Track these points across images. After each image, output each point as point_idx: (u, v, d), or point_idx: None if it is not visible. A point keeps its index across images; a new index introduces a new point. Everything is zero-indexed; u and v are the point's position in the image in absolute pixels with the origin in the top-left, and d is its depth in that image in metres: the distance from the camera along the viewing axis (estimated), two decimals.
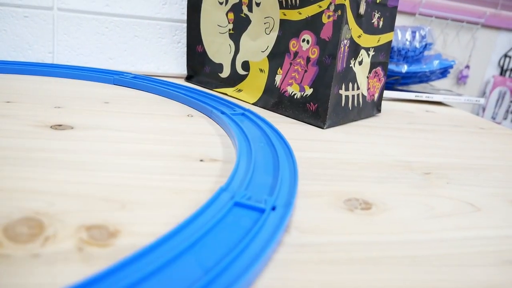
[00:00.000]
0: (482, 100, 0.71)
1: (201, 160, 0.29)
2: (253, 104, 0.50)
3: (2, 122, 0.32)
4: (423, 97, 0.67)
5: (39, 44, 0.58)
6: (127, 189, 0.23)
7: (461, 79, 1.44)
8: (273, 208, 0.21)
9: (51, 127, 0.32)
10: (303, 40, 0.44)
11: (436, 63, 0.71)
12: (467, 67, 1.45)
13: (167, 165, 0.27)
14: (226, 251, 0.17)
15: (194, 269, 0.16)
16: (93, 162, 0.26)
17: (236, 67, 0.53)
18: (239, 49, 0.52)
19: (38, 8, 0.57)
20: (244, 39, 0.51)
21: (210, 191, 0.24)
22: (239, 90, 0.52)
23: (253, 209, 0.21)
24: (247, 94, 0.51)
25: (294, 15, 0.45)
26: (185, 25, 0.62)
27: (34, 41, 0.58)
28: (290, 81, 0.46)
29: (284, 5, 0.46)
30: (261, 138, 0.34)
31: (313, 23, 0.43)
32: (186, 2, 0.58)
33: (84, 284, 0.14)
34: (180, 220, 0.19)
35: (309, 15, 0.43)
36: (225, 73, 0.54)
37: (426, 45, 0.72)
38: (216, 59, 0.55)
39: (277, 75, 0.48)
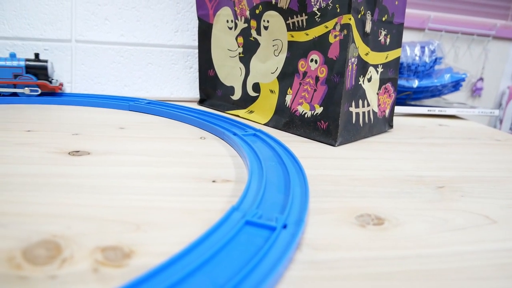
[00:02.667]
0: (496, 112, 0.70)
1: (214, 181, 0.29)
2: (265, 124, 0.50)
3: (23, 150, 0.33)
4: (436, 111, 0.66)
5: (58, 75, 0.61)
6: (142, 211, 0.23)
7: (476, 91, 1.42)
8: (284, 226, 0.21)
9: (69, 153, 0.33)
10: (311, 60, 0.45)
11: (447, 76, 0.71)
12: (481, 79, 1.43)
13: (181, 187, 0.28)
14: (237, 268, 0.17)
15: (206, 287, 0.16)
16: (109, 186, 0.27)
17: (247, 89, 0.54)
18: (249, 72, 0.53)
19: (57, 41, 0.60)
20: (254, 61, 0.53)
21: (223, 211, 0.24)
22: (251, 112, 0.53)
23: (264, 228, 0.21)
24: (258, 115, 0.52)
25: (301, 37, 0.46)
26: (196, 51, 0.65)
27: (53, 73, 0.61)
28: (300, 101, 0.47)
29: (291, 27, 0.47)
30: (273, 157, 0.34)
31: (320, 43, 0.44)
32: (197, 29, 0.60)
33: None
34: (192, 240, 0.19)
35: (316, 36, 0.44)
36: (237, 95, 0.55)
37: (436, 59, 0.72)
38: (227, 82, 0.57)
39: (287, 95, 0.48)
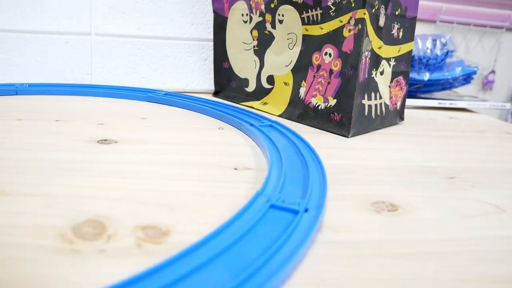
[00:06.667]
0: (508, 105, 0.70)
1: (235, 169, 0.31)
2: (279, 116, 0.52)
3: (55, 138, 0.35)
4: (447, 104, 0.67)
5: (78, 67, 0.63)
6: (173, 195, 0.25)
7: (487, 84, 1.42)
8: (306, 210, 0.23)
9: (97, 141, 0.35)
10: (326, 54, 0.47)
11: (458, 69, 0.71)
12: (493, 72, 1.42)
13: (205, 173, 0.29)
14: (265, 246, 0.19)
15: (240, 261, 0.18)
16: (140, 171, 0.29)
17: (261, 81, 0.55)
18: (263, 64, 0.55)
19: (78, 34, 0.62)
20: (268, 54, 0.54)
21: (247, 196, 0.26)
22: (265, 103, 0.55)
23: (287, 211, 0.23)
24: (272, 107, 0.53)
25: (316, 30, 0.47)
26: (211, 43, 0.66)
27: (74, 64, 0.63)
28: (314, 93, 0.48)
29: (306, 21, 0.48)
30: (289, 147, 0.36)
31: (335, 37, 0.45)
32: (212, 22, 0.61)
33: (144, 275, 0.16)
34: (222, 221, 0.21)
35: (331, 30, 0.45)
36: (251, 87, 0.57)
37: (447, 52, 0.72)
38: (241, 75, 0.58)
39: (301, 88, 0.50)
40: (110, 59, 0.64)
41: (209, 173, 0.30)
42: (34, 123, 0.40)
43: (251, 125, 0.42)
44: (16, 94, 0.54)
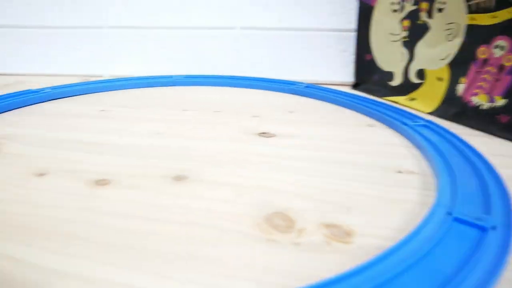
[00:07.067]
0: None
1: (399, 172, 0.30)
2: (429, 113, 0.48)
3: (220, 129, 0.40)
4: None
5: (224, 59, 0.69)
6: (345, 194, 0.26)
7: None
8: (493, 227, 0.22)
9: (258, 134, 0.38)
10: (496, 47, 0.41)
11: None
12: None
13: (369, 175, 0.30)
14: (456, 266, 0.18)
15: (430, 277, 0.18)
16: (306, 168, 0.30)
17: (410, 75, 0.52)
18: (413, 57, 0.51)
19: (224, 28, 0.68)
20: (420, 46, 0.50)
21: (418, 203, 0.25)
22: (412, 99, 0.52)
23: (473, 226, 0.22)
24: (421, 103, 0.50)
25: (485, 20, 0.42)
26: (351, 34, 0.65)
27: (221, 58, 0.69)
28: (476, 91, 0.43)
29: (473, 9, 0.43)
30: (453, 151, 0.33)
31: (511, 27, 0.39)
32: (355, 12, 0.60)
33: (349, 275, 0.17)
34: (400, 227, 0.21)
35: (506, 19, 0.40)
36: (396, 81, 0.54)
37: None
38: (386, 67, 0.56)
39: (459, 84, 0.45)
40: (253, 51, 0.68)
41: (373, 175, 0.30)
42: (198, 113, 0.46)
43: (404, 123, 0.40)
44: (174, 85, 0.62)
